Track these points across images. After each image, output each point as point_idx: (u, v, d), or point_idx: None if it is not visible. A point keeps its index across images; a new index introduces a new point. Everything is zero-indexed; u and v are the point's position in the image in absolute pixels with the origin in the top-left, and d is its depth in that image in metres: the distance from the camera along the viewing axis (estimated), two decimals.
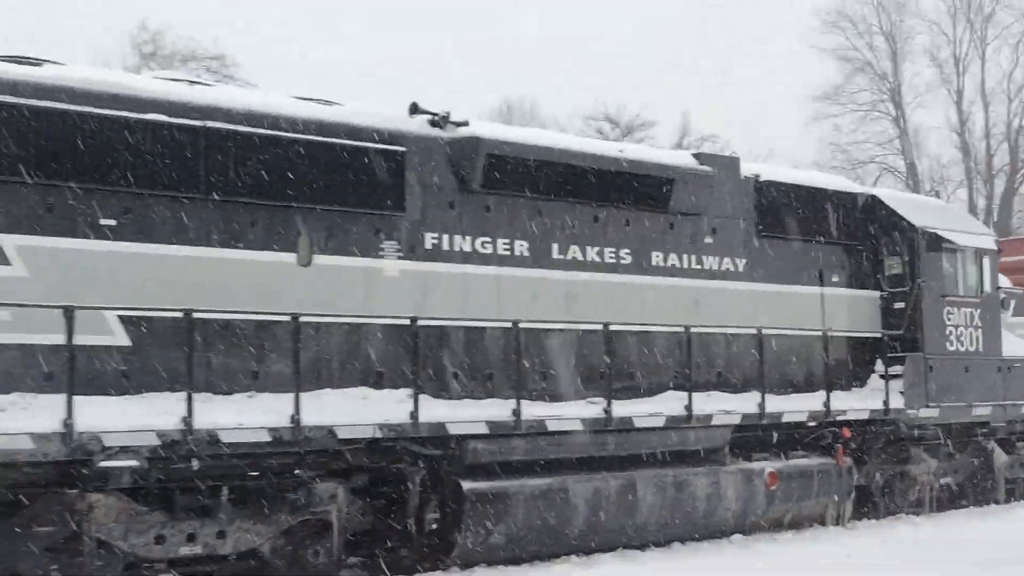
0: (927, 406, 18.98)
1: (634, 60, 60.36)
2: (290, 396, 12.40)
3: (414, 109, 14.90)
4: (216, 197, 12.87)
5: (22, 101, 11.78)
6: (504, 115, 42.89)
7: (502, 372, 14.78)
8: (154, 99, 12.71)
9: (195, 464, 11.91)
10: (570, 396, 15.33)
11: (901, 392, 18.61)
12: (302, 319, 12.70)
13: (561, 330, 15.46)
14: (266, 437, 12.24)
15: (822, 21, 51.68)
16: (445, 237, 14.68)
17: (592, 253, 16.07)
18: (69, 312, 11.20)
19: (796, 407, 17.38)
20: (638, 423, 15.33)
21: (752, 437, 17.03)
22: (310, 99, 14.33)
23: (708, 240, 17.36)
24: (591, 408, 15.07)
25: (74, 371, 11.21)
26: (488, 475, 13.87)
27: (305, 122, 13.70)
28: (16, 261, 11.70)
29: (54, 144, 11.92)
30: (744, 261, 17.82)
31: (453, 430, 13.60)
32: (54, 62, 12.59)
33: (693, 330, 16.25)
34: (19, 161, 11.72)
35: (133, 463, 11.47)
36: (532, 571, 13.87)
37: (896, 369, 18.73)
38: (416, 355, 13.52)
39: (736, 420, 16.51)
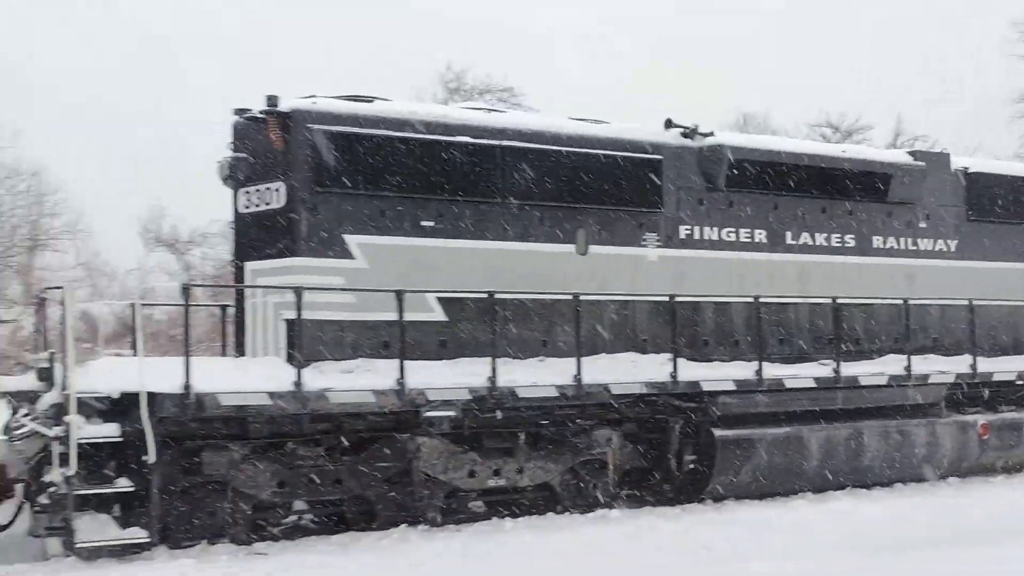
0: None
1: (847, 71, 57.65)
2: (573, 360, 12.40)
3: (669, 124, 14.70)
4: (511, 201, 13.00)
5: (361, 131, 12.19)
6: (741, 126, 41.76)
7: (746, 339, 14.41)
8: (461, 125, 12.92)
9: (499, 414, 12.06)
10: (804, 359, 14.88)
11: None
12: (582, 298, 12.67)
13: (795, 303, 15.00)
14: (554, 393, 12.29)
15: (1021, 32, 47.98)
16: (696, 228, 14.42)
17: (820, 239, 15.49)
18: (399, 295, 11.52)
19: (1005, 368, 16.28)
20: (863, 381, 14.66)
21: (965, 394, 16.02)
22: (583, 119, 14.28)
23: (922, 225, 16.47)
24: (822, 369, 14.52)
25: (404, 341, 11.52)
26: (735, 425, 13.50)
27: (579, 138, 13.67)
28: (358, 256, 12.11)
29: (386, 163, 12.27)
30: (955, 242, 16.83)
31: (706, 387, 13.32)
32: (382, 98, 12.92)
33: (911, 302, 15.43)
34: (360, 177, 12.13)
35: (451, 413, 11.70)
36: (773, 504, 13.44)
37: None
38: (674, 326, 13.31)
39: (950, 379, 15.58)
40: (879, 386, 14.81)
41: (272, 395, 10.84)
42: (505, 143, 12.99)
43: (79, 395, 10.09)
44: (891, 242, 16.14)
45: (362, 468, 11.54)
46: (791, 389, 14.02)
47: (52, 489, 10.03)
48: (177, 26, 57.46)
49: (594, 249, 13.56)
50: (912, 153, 17.27)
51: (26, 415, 10.97)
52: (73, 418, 9.97)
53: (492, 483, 12.19)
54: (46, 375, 10.63)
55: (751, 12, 58.94)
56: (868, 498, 14.02)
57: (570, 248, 13.41)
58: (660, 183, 14.09)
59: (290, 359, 11.40)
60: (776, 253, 15.04)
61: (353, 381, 11.41)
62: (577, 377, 12.34)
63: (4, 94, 48.97)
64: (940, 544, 10.97)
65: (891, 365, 15.12)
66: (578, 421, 12.66)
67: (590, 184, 13.53)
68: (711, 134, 14.77)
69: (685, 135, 14.59)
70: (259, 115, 12.07)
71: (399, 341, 11.47)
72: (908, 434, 14.95)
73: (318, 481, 11.34)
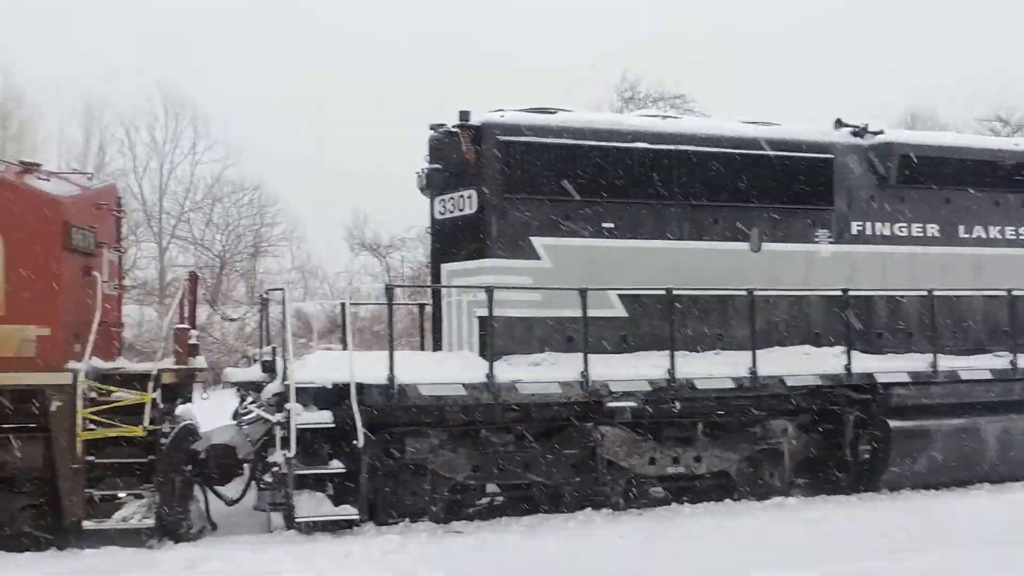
0: None
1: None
2: (748, 353, 12.06)
3: (839, 123, 14.15)
4: (686, 202, 12.74)
5: (545, 140, 12.16)
6: (908, 123, 39.73)
7: (919, 331, 13.67)
8: (638, 131, 12.73)
9: (677, 405, 11.82)
10: (979, 351, 13.99)
11: None
12: (756, 293, 12.30)
13: (969, 296, 14.12)
14: (730, 384, 11.97)
15: None
16: (867, 224, 13.78)
17: (994, 232, 14.55)
18: (583, 293, 11.43)
19: None
20: None
21: None
22: (753, 122, 13.85)
23: None
24: (998, 360, 13.62)
25: (588, 336, 11.42)
26: (910, 415, 12.81)
27: (750, 140, 13.26)
28: (544, 256, 12.09)
29: (568, 169, 12.20)
30: None
31: (880, 379, 12.72)
32: (564, 109, 12.85)
33: None
34: (545, 183, 12.11)
35: (632, 404, 11.56)
36: (950, 495, 12.71)
37: None
38: (848, 319, 12.76)
39: None
40: None
41: (467, 386, 10.95)
42: (680, 147, 12.73)
43: (298, 385, 10.42)
44: None
45: (549, 454, 11.50)
46: (967, 381, 13.21)
47: (275, 469, 10.40)
48: (366, 61, 58.90)
49: (767, 246, 13.14)
50: None
51: (252, 402, 11.43)
52: (293, 406, 10.31)
53: (671, 470, 11.94)
54: (269, 367, 11.04)
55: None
56: None
57: (744, 246, 13.03)
58: (831, 181, 13.54)
59: (482, 353, 11.47)
60: (949, 246, 14.23)
61: (540, 373, 11.39)
62: (752, 369, 11.99)
63: (227, 115, 51.41)
64: None
65: None
66: (754, 411, 12.26)
67: (762, 184, 13.12)
68: (881, 132, 14.14)
69: (855, 134, 14.01)
70: (452, 129, 12.21)
71: (583, 336, 11.38)
72: None
73: (509, 466, 11.36)
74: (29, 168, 10.46)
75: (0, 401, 9.85)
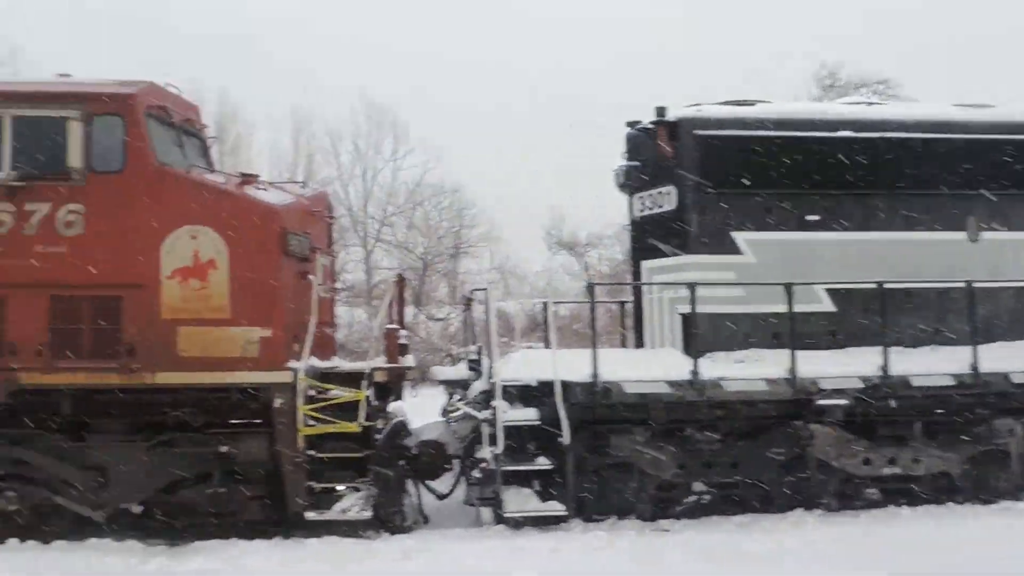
0: None
1: None
2: (968, 348, 11.32)
3: None
4: (896, 191, 12.11)
5: (744, 132, 11.84)
6: None
7: None
8: (841, 120, 12.22)
9: (892, 403, 11.24)
10: None
11: None
12: (975, 285, 11.54)
13: None
14: (950, 381, 11.28)
15: None
16: None
17: None
18: (789, 287, 11.04)
19: None
20: None
21: None
22: (966, 104, 13.02)
23: None
24: None
25: (795, 332, 11.03)
26: None
27: (963, 124, 12.50)
28: (746, 251, 11.77)
29: (769, 161, 11.83)
30: None
31: None
32: (763, 101, 12.48)
33: None
34: (745, 176, 11.78)
35: (843, 401, 11.06)
36: None
37: None
38: None
39: None
40: None
41: (671, 384, 10.77)
42: (887, 135, 12.12)
43: (504, 383, 10.54)
44: None
45: (756, 453, 11.15)
46: None
47: (483, 465, 10.55)
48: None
49: (986, 235, 12.33)
50: None
51: (460, 400, 11.63)
52: (499, 403, 10.44)
53: (887, 471, 11.32)
54: (475, 366, 11.21)
55: None
56: None
57: (960, 235, 12.26)
58: None
59: (686, 350, 11.26)
60: None
61: (746, 370, 11.08)
62: (974, 365, 11.24)
63: (427, 118, 52.53)
64: None
65: None
66: (976, 410, 11.50)
67: (979, 169, 12.32)
68: None
69: None
70: (649, 125, 12.07)
71: (789, 332, 10.99)
72: None
73: (715, 465, 11.09)
74: (248, 179, 10.96)
75: (228, 398, 10.43)
